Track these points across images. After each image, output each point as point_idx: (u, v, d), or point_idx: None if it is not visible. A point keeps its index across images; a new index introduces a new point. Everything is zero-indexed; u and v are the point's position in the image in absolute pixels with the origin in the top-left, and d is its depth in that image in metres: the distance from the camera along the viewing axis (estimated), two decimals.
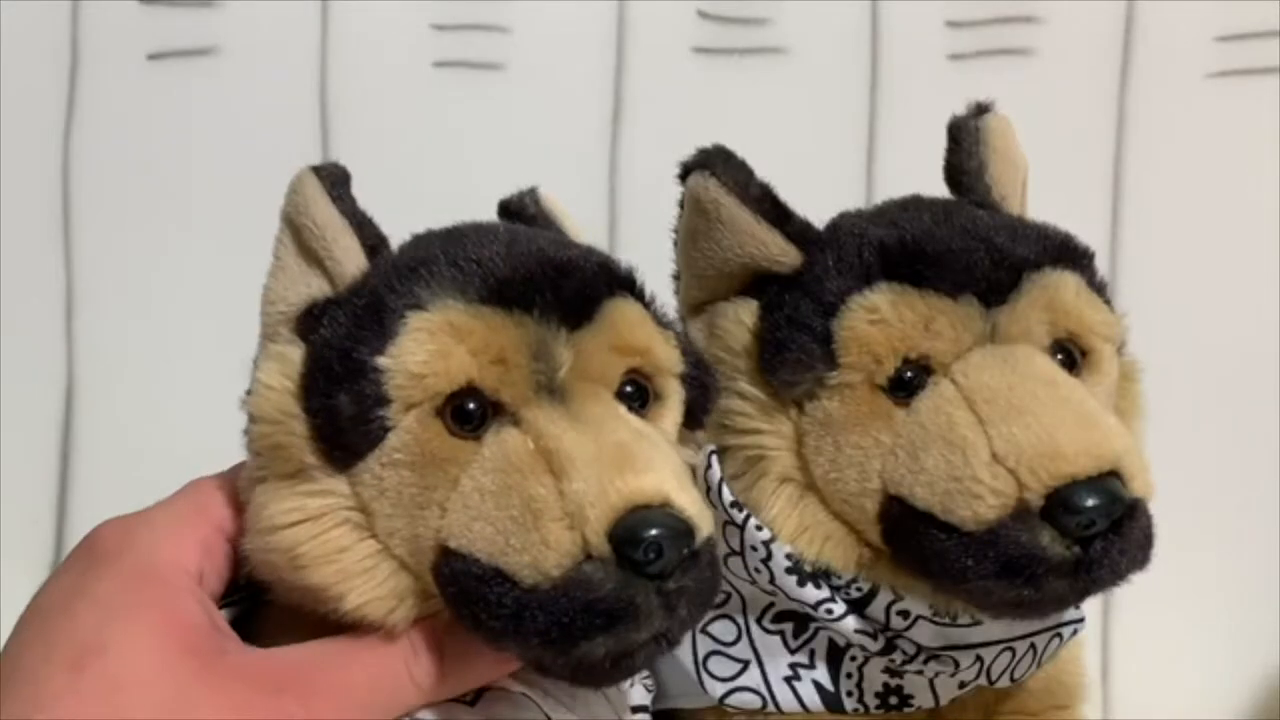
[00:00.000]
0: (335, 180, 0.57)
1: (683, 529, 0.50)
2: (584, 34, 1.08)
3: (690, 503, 0.52)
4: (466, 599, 0.51)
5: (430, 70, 1.07)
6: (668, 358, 0.58)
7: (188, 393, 1.05)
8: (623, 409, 0.56)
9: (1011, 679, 0.67)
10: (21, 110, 1.04)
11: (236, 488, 0.58)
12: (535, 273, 0.55)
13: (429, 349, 0.52)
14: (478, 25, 1.07)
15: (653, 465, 0.52)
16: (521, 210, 0.66)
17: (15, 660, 0.52)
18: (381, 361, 0.52)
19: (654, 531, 0.49)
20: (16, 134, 1.04)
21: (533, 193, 0.67)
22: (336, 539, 0.53)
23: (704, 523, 0.52)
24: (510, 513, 0.51)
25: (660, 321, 0.58)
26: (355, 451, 0.53)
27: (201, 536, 0.56)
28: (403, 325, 0.53)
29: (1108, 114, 1.09)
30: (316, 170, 0.57)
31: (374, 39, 1.07)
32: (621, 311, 0.56)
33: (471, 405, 0.53)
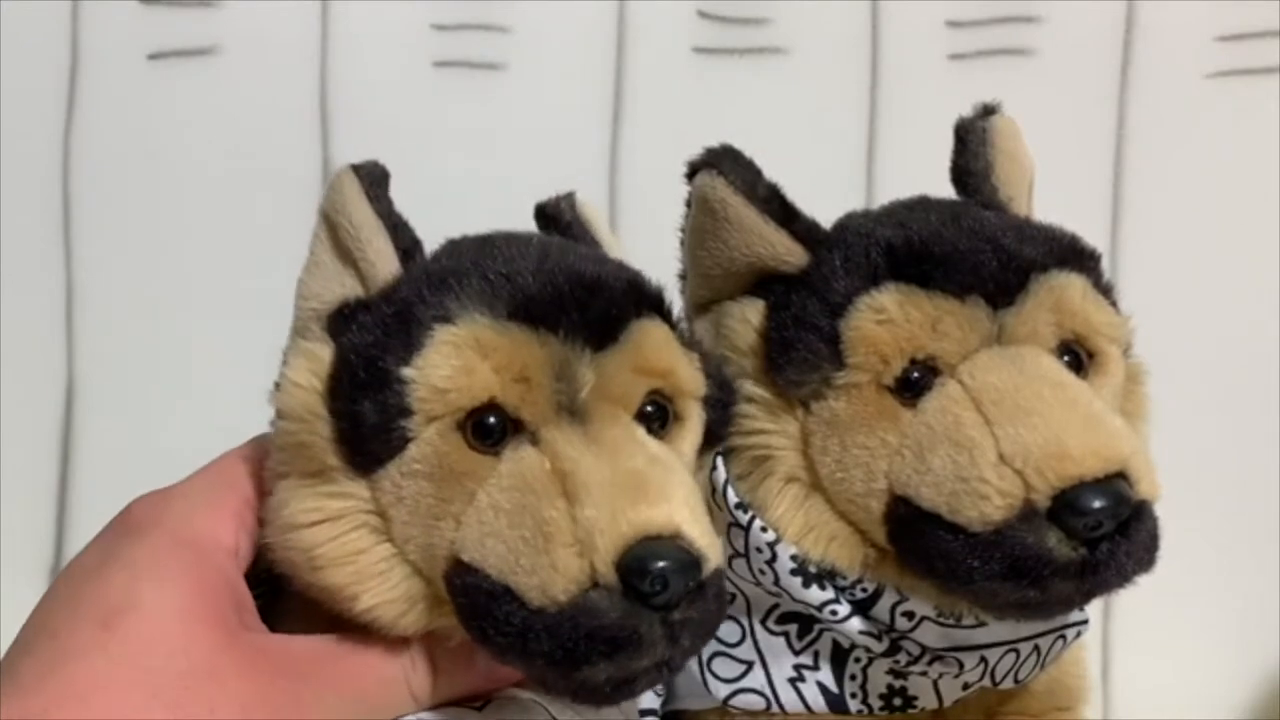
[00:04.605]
0: (374, 180, 0.57)
1: (690, 561, 0.51)
2: (584, 34, 1.08)
3: (701, 534, 0.52)
4: (475, 612, 0.52)
5: (430, 70, 1.07)
6: (690, 380, 0.58)
7: (188, 393, 1.06)
8: (641, 431, 0.56)
9: (1015, 680, 0.67)
10: (21, 110, 1.04)
11: (261, 466, 0.58)
12: (563, 291, 0.55)
13: (454, 364, 0.53)
14: (478, 25, 1.07)
15: (666, 494, 0.52)
16: (558, 215, 0.66)
17: (42, 621, 0.53)
18: (406, 373, 0.53)
19: (661, 564, 0.50)
20: (16, 134, 1.04)
21: (569, 197, 0.67)
22: (354, 541, 0.54)
23: (713, 554, 0.52)
24: (522, 533, 0.51)
25: (685, 343, 0.59)
26: (376, 458, 0.53)
27: (235, 510, 0.57)
28: (429, 337, 0.53)
29: (1108, 114, 1.09)
30: (356, 169, 0.57)
31: (374, 39, 1.07)
32: (647, 333, 0.56)
33: (492, 420, 0.53)
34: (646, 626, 0.50)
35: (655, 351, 0.56)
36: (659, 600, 0.50)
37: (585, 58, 1.08)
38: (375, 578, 0.54)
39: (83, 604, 0.52)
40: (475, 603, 0.52)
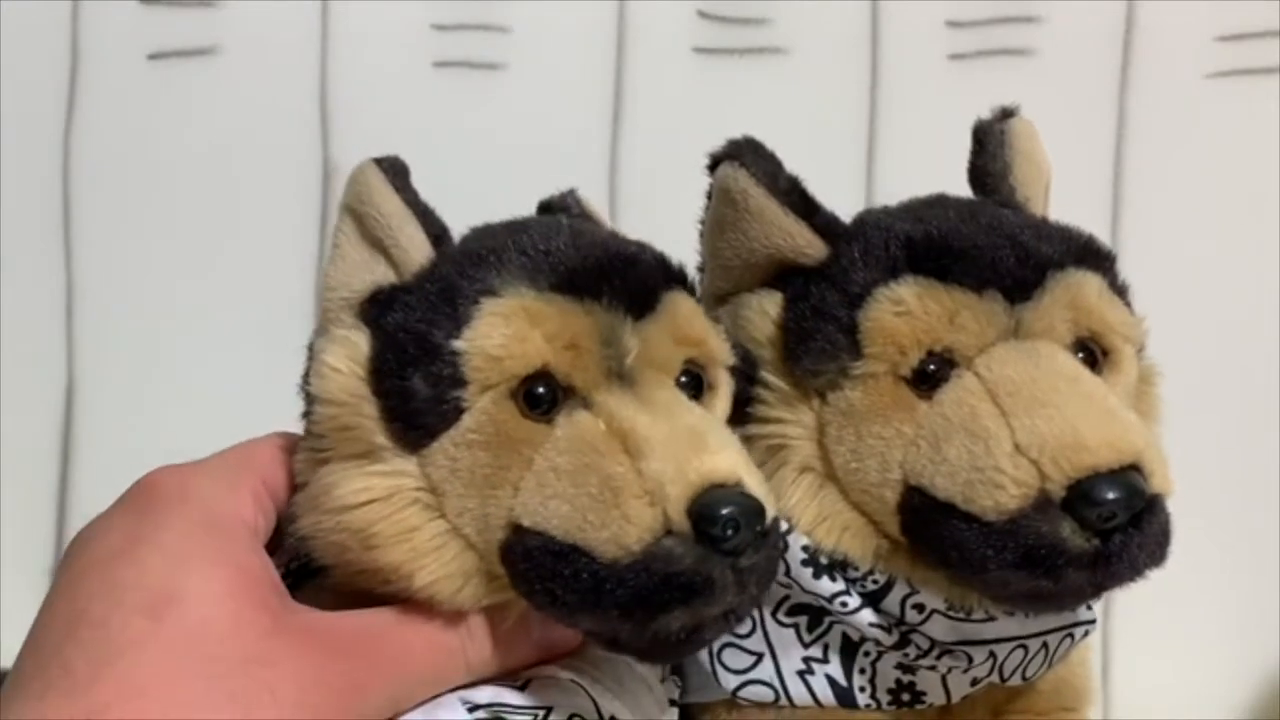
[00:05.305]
0: (396, 171, 0.58)
1: (756, 508, 0.52)
2: (584, 34, 1.08)
3: (758, 484, 0.53)
4: (540, 575, 0.52)
5: (430, 70, 1.08)
6: (720, 349, 0.60)
7: (188, 393, 1.06)
8: (684, 396, 0.57)
9: (1023, 677, 0.67)
10: (21, 110, 1.04)
11: (278, 454, 0.59)
12: (602, 263, 0.56)
13: (505, 333, 0.54)
14: (478, 25, 1.08)
15: (725, 447, 0.54)
16: (564, 210, 0.68)
17: (79, 607, 0.51)
18: (457, 344, 0.54)
19: (731, 509, 0.51)
20: (16, 134, 1.04)
21: (573, 193, 0.69)
22: (407, 518, 0.54)
23: (770, 503, 0.54)
24: (588, 490, 0.52)
25: (711, 316, 0.60)
26: (429, 432, 0.54)
27: (253, 490, 0.57)
28: (477, 310, 0.54)
29: (1108, 114, 1.09)
30: (378, 162, 0.58)
31: (374, 39, 1.07)
32: (679, 304, 0.58)
33: (543, 389, 0.54)
34: (719, 572, 0.51)
35: (689, 321, 0.58)
36: (730, 545, 0.51)
37: (585, 58, 1.09)
38: (431, 554, 0.54)
39: (122, 591, 0.51)
40: (540, 565, 0.52)
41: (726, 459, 0.53)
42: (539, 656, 0.58)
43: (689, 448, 0.52)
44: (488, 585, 0.55)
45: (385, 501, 0.54)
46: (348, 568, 0.56)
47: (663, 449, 0.52)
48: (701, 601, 0.51)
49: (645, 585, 0.50)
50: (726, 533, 0.51)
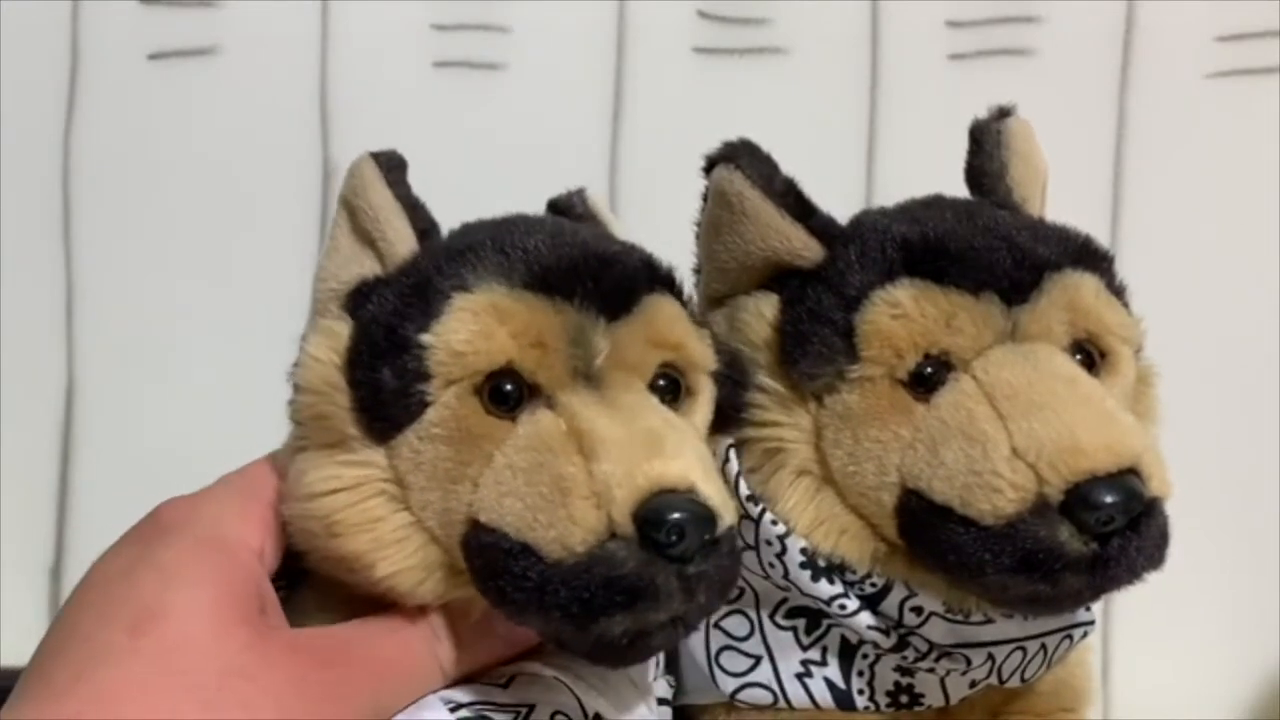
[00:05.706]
0: (392, 166, 0.59)
1: (705, 515, 0.52)
2: (584, 34, 1.08)
3: (715, 492, 0.53)
4: (493, 572, 0.53)
5: (430, 70, 1.08)
6: (701, 354, 0.60)
7: (188, 393, 1.06)
8: (654, 399, 0.57)
9: (1022, 679, 0.67)
10: (21, 110, 1.05)
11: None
12: (578, 263, 0.56)
13: (472, 329, 0.54)
14: (478, 25, 1.08)
15: (680, 452, 0.53)
16: (569, 209, 0.68)
17: (72, 624, 0.53)
18: (425, 338, 0.54)
19: (677, 515, 0.51)
20: (16, 134, 1.04)
21: (581, 193, 0.69)
22: (372, 509, 0.55)
23: (727, 512, 0.53)
24: (540, 489, 0.52)
25: (696, 320, 0.60)
26: (395, 424, 0.55)
27: (262, 513, 0.58)
28: (448, 305, 0.54)
29: (1108, 114, 1.09)
30: (375, 156, 0.59)
31: (374, 39, 1.07)
32: (659, 306, 0.58)
33: (508, 386, 0.55)
34: (663, 578, 0.51)
35: (667, 324, 0.58)
36: (675, 551, 0.51)
37: (585, 58, 1.09)
38: (393, 545, 0.55)
39: (113, 608, 0.52)
40: (492, 562, 0.53)
41: (680, 464, 0.52)
42: (510, 650, 0.58)
43: (643, 451, 0.52)
44: (451, 580, 0.56)
45: (351, 491, 0.55)
46: (315, 553, 0.57)
47: (616, 451, 0.52)
48: (644, 607, 0.51)
49: (586, 587, 0.50)
50: (671, 538, 0.50)
